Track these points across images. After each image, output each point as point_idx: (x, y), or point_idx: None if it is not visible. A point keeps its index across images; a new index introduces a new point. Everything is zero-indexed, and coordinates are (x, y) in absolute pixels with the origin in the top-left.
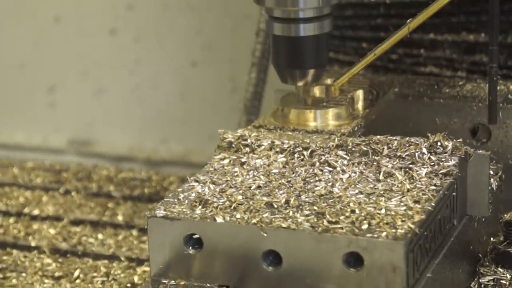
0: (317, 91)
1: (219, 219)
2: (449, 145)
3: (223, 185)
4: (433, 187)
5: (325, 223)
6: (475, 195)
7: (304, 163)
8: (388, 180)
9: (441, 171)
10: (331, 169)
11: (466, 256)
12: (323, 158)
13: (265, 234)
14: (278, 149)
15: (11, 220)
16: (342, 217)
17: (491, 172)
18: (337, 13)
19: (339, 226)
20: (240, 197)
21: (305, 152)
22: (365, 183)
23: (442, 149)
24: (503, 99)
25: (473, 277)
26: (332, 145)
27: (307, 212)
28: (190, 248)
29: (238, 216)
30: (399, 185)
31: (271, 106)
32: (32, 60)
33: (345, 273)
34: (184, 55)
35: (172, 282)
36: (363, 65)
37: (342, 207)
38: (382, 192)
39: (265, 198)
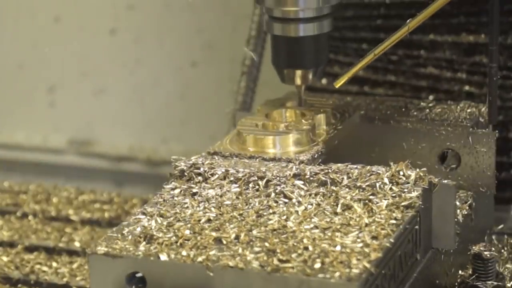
0: (276, 115)
1: (163, 257)
2: (412, 174)
3: (171, 218)
4: (393, 221)
5: (276, 261)
6: (440, 227)
7: (258, 194)
8: (346, 213)
9: (402, 203)
10: (286, 200)
11: None
12: (279, 188)
13: (211, 274)
14: (232, 178)
15: None
16: (294, 255)
17: (458, 203)
18: (337, 14)
19: (290, 265)
20: (187, 231)
21: (260, 182)
22: (322, 216)
23: (404, 179)
24: (473, 123)
25: None
26: (289, 174)
27: (257, 249)
28: (133, 287)
29: (184, 253)
30: (357, 219)
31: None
32: (31, 60)
33: None
34: (184, 55)
35: None
36: (362, 66)
37: (295, 243)
38: (338, 227)
39: (214, 233)
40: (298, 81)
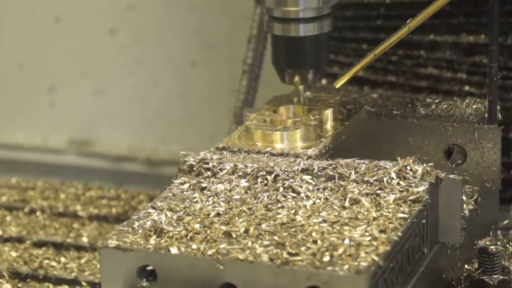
0: (284, 111)
1: (174, 250)
2: (419, 169)
3: (181, 213)
4: (401, 215)
5: (285, 254)
6: (447, 222)
7: (267, 188)
8: (354, 207)
9: (410, 198)
10: (295, 195)
11: (438, 285)
12: (287, 183)
13: (221, 267)
14: (240, 173)
15: None
16: (303, 248)
17: (464, 198)
18: (337, 14)
19: (299, 258)
20: (197, 225)
21: (268, 177)
22: (330, 211)
23: (411, 173)
24: (479, 119)
25: None
26: (297, 169)
27: (266, 243)
28: (144, 280)
29: (194, 246)
30: (365, 213)
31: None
32: (32, 60)
33: None
34: (184, 55)
35: None
36: (363, 66)
37: (304, 237)
38: (346, 221)
39: (223, 227)
40: (297, 81)
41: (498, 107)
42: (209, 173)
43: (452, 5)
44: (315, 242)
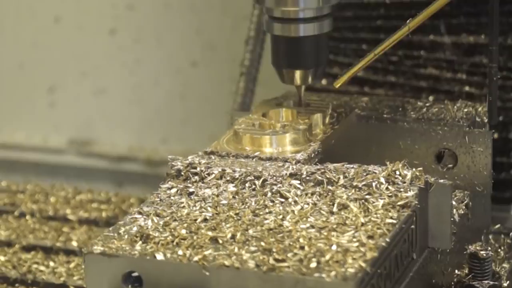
0: (273, 114)
1: (160, 256)
2: (408, 174)
3: (167, 218)
4: (389, 220)
5: (271, 261)
6: (436, 227)
7: (255, 193)
8: (342, 213)
9: (398, 203)
10: (283, 200)
11: None
12: (275, 187)
13: (207, 273)
14: (228, 178)
15: None
16: (290, 254)
17: (454, 203)
18: (337, 14)
19: (285, 264)
20: (183, 231)
21: (256, 182)
22: (318, 216)
23: (401, 178)
24: (470, 123)
25: None
26: (286, 174)
27: (253, 249)
28: (130, 286)
29: (180, 252)
30: (353, 218)
31: None
32: (31, 60)
33: None
34: (184, 55)
35: None
36: (362, 65)
37: (291, 243)
38: (334, 226)
39: (210, 233)
40: (298, 81)
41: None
42: (196, 177)
43: (452, 5)
44: (302, 248)
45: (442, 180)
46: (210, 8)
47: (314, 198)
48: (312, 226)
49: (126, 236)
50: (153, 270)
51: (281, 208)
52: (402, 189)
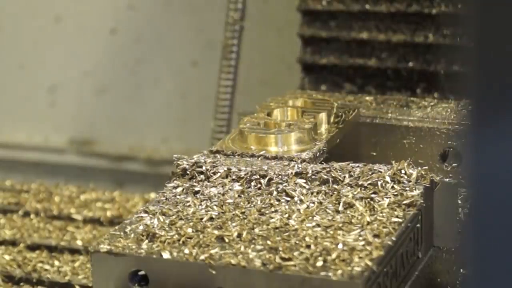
0: (278, 113)
1: (166, 255)
2: (414, 173)
3: (173, 217)
4: (395, 219)
5: (278, 259)
6: (442, 226)
7: (260, 192)
8: (348, 212)
9: (404, 202)
10: (288, 198)
11: None
12: (281, 186)
13: (213, 272)
14: (234, 177)
15: None
16: (296, 253)
17: (459, 202)
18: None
19: (292, 263)
20: (190, 230)
21: (262, 180)
22: (324, 215)
23: (406, 177)
24: None
25: None
26: (291, 173)
27: (259, 247)
28: (136, 285)
29: (186, 251)
30: (359, 217)
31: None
32: (32, 60)
33: None
34: (185, 55)
35: None
36: None
37: (297, 242)
38: (340, 225)
39: (216, 232)
40: None
41: None
42: (202, 176)
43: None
44: (308, 246)
45: (447, 179)
46: (210, 8)
47: (320, 197)
48: (318, 225)
49: (132, 235)
50: (159, 268)
51: (286, 207)
52: (407, 188)
